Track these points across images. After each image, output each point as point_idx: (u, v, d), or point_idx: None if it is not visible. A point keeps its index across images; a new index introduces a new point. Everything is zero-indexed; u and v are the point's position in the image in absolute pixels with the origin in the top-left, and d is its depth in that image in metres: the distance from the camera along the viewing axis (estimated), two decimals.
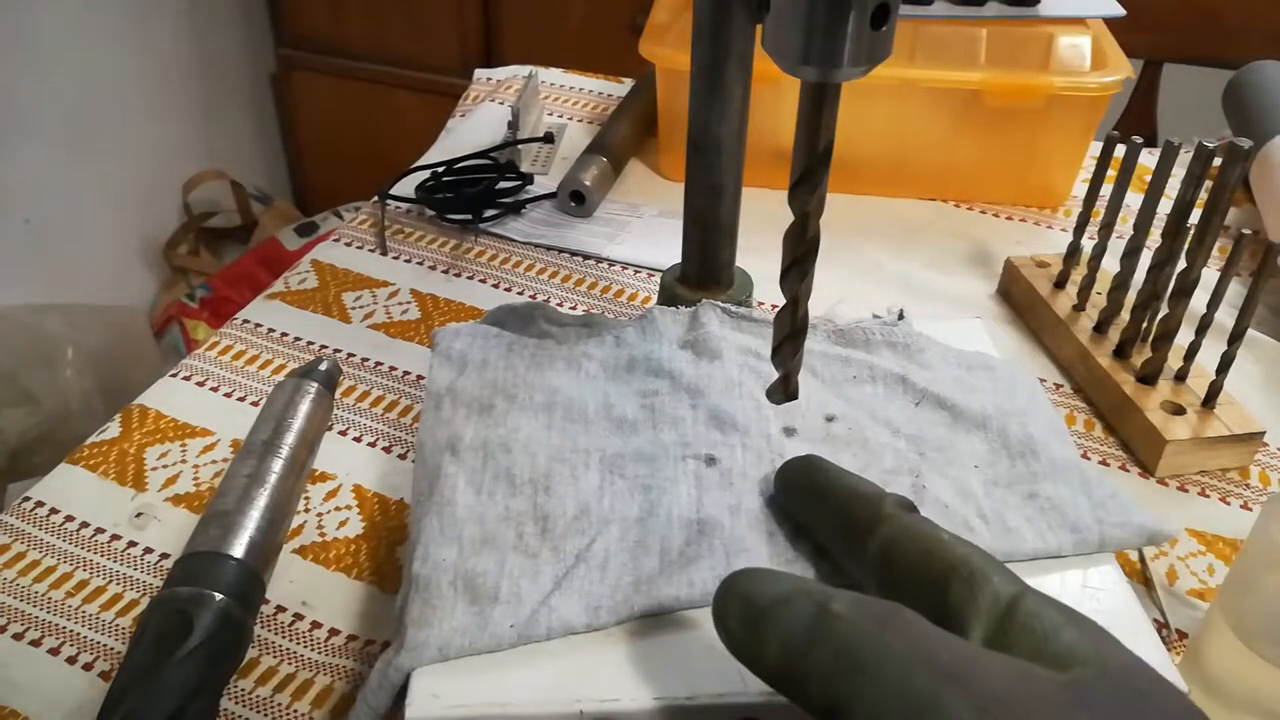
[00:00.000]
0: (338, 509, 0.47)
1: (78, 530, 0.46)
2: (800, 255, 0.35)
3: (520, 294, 0.62)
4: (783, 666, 0.25)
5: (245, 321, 0.59)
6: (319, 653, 0.41)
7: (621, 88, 0.87)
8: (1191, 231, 0.49)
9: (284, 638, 0.41)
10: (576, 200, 0.69)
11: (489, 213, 0.68)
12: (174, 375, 0.55)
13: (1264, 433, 0.50)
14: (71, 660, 0.40)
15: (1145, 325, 0.53)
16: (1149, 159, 0.54)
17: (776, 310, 0.37)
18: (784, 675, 0.25)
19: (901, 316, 0.47)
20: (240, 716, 0.38)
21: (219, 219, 1.80)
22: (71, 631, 0.41)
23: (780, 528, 0.35)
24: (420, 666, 0.31)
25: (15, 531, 0.46)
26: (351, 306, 0.61)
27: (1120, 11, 0.70)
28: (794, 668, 0.24)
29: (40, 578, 0.44)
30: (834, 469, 0.34)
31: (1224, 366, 0.50)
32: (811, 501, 0.34)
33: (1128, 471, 0.51)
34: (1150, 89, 1.24)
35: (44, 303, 1.34)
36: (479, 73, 0.91)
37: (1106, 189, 0.57)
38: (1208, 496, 0.50)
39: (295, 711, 0.39)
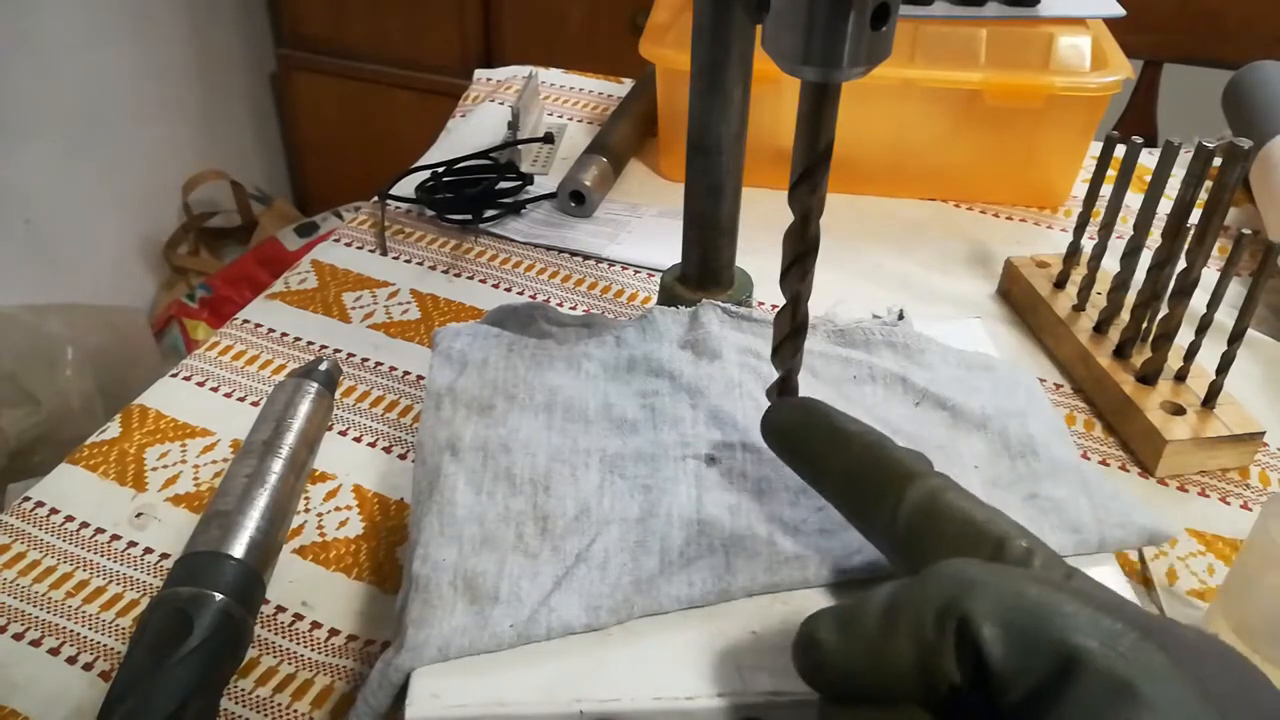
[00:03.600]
0: (338, 509, 0.47)
1: (78, 530, 0.46)
2: (800, 255, 0.35)
3: (520, 294, 0.62)
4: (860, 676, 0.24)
5: (245, 321, 0.59)
6: (319, 653, 0.41)
7: (621, 88, 0.87)
8: (1191, 231, 0.49)
9: (284, 638, 0.41)
10: (576, 200, 0.69)
11: (489, 213, 0.68)
12: (174, 375, 0.55)
13: (1264, 433, 0.50)
14: (71, 660, 0.40)
15: (1145, 325, 0.53)
16: (1149, 159, 0.54)
17: (776, 310, 0.37)
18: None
19: (901, 316, 0.47)
20: (240, 716, 0.38)
21: (219, 219, 1.80)
22: (71, 631, 0.41)
23: (780, 527, 0.35)
24: (420, 666, 0.31)
25: (15, 531, 0.46)
26: (351, 306, 0.61)
27: (1120, 11, 0.70)
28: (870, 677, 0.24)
29: (40, 578, 0.44)
30: (836, 415, 0.32)
31: (1224, 366, 0.50)
32: (818, 453, 0.32)
33: (1128, 471, 0.51)
34: (1150, 89, 1.24)
35: (44, 303, 1.34)
36: (479, 73, 0.91)
37: (1106, 189, 0.57)
38: (1208, 496, 0.50)
39: (295, 711, 0.39)
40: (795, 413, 0.34)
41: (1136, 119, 1.25)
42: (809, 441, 0.33)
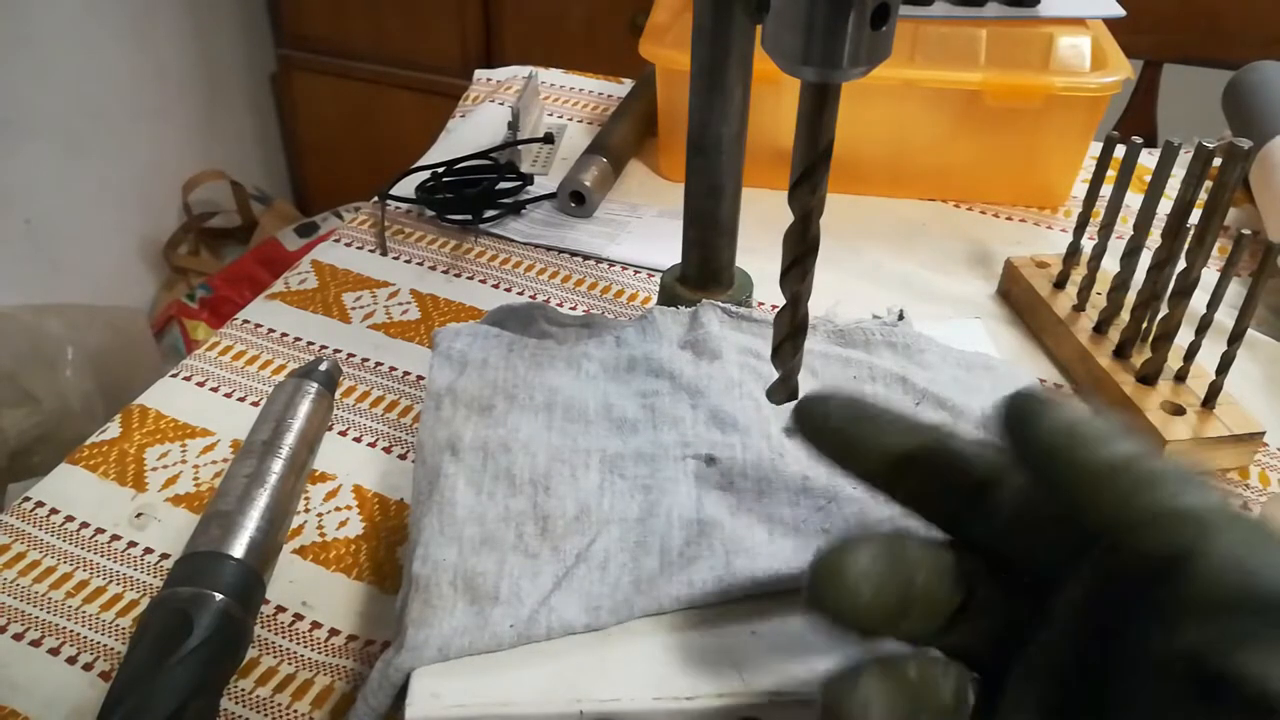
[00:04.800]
0: (338, 509, 0.47)
1: (78, 530, 0.46)
2: (800, 255, 0.35)
3: (520, 294, 0.62)
4: (1119, 468, 0.24)
5: (245, 321, 0.59)
6: (319, 653, 0.41)
7: (621, 88, 0.87)
8: (1191, 232, 0.49)
9: (284, 638, 0.41)
10: (576, 200, 0.69)
11: (489, 213, 0.68)
12: (174, 375, 0.55)
13: (1264, 433, 0.50)
14: (71, 660, 0.40)
15: (1145, 325, 0.53)
16: (1149, 159, 0.54)
17: (776, 310, 0.37)
18: (1114, 475, 0.24)
19: (901, 317, 0.47)
20: (240, 716, 0.38)
21: (219, 219, 1.80)
22: (71, 631, 0.41)
23: (780, 527, 0.35)
24: (420, 666, 0.31)
25: (15, 531, 0.46)
26: (351, 306, 0.61)
27: (1120, 12, 0.70)
28: (1136, 474, 0.24)
29: (40, 578, 0.44)
30: (878, 410, 0.30)
31: (1224, 366, 0.50)
32: (878, 452, 0.29)
33: None
34: (1150, 89, 1.24)
35: (44, 303, 1.34)
36: (479, 73, 0.91)
37: (1106, 189, 0.57)
38: None
39: (295, 711, 0.39)
40: (835, 411, 0.31)
41: (1136, 119, 1.25)
42: (859, 445, 0.30)
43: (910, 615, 0.26)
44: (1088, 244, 0.58)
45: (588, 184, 0.69)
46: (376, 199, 0.70)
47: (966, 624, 0.27)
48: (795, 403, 0.32)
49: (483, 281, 0.63)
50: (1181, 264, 0.50)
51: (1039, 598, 0.26)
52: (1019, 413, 0.26)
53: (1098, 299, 0.57)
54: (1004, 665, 0.26)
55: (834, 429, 0.30)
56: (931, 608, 0.27)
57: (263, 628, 0.41)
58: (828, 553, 0.26)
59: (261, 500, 0.42)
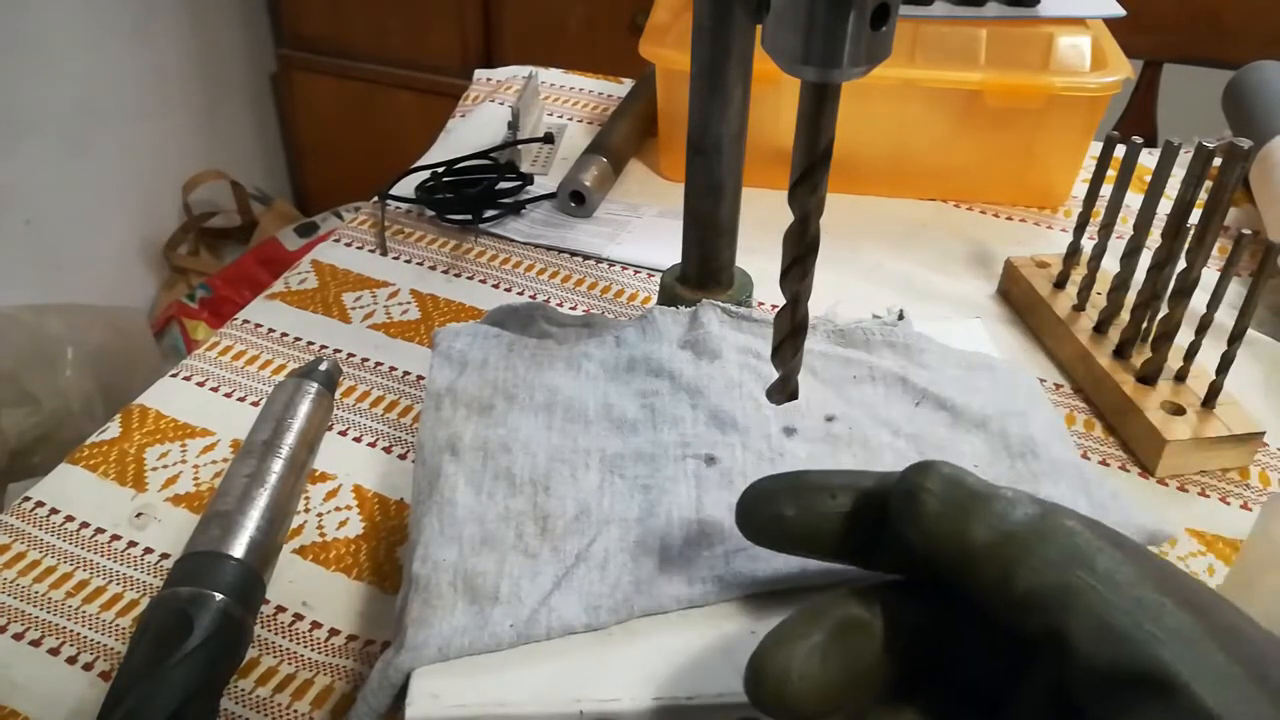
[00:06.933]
0: (338, 509, 0.47)
1: (78, 530, 0.46)
2: (800, 255, 0.35)
3: (520, 294, 0.62)
4: (989, 550, 0.24)
5: (245, 321, 0.59)
6: (319, 653, 0.41)
7: (621, 88, 0.87)
8: (1191, 231, 0.49)
9: (284, 638, 0.41)
10: (576, 200, 0.69)
11: (489, 213, 0.68)
12: (174, 375, 0.55)
13: (1264, 433, 0.50)
14: (71, 660, 0.40)
15: (1145, 325, 0.53)
16: (1149, 159, 0.54)
17: (776, 310, 0.37)
18: (987, 558, 0.24)
19: (901, 317, 0.47)
20: (240, 716, 0.38)
21: (219, 219, 1.80)
22: (71, 631, 0.41)
23: None
24: (420, 666, 0.31)
25: (15, 531, 0.46)
26: (351, 306, 0.61)
27: (1120, 11, 0.70)
28: (1005, 554, 0.24)
29: (40, 578, 0.44)
30: (813, 484, 0.29)
31: (1224, 366, 0.50)
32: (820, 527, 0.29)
33: (1128, 471, 0.51)
34: (1150, 89, 1.24)
35: (44, 303, 1.34)
36: (479, 73, 0.91)
37: (1106, 189, 0.57)
38: (1208, 496, 0.50)
39: (295, 711, 0.39)
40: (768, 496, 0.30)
41: (1136, 119, 1.25)
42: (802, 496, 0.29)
43: (858, 692, 0.26)
44: (1088, 244, 0.58)
45: (588, 184, 0.69)
46: (376, 199, 0.70)
47: (935, 687, 0.27)
48: (737, 506, 0.30)
49: (483, 281, 0.63)
50: (1181, 264, 0.50)
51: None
52: (902, 500, 0.26)
53: (1098, 299, 0.57)
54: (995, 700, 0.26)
55: (775, 525, 0.29)
56: (883, 682, 0.26)
57: (263, 628, 0.41)
58: (766, 650, 0.25)
59: (261, 500, 0.42)
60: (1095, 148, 0.73)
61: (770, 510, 0.29)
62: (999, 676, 0.26)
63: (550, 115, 0.83)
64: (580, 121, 0.82)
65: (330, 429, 0.51)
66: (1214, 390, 0.50)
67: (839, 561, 0.29)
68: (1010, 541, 0.24)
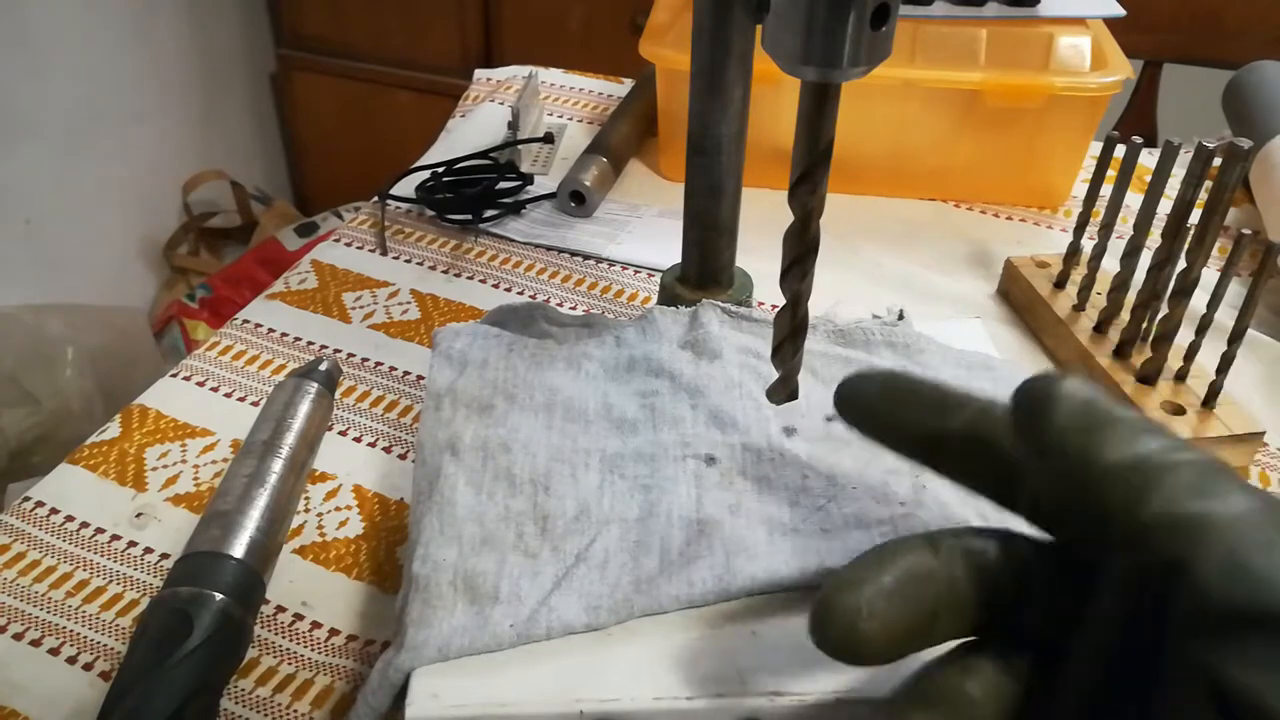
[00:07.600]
0: (338, 509, 0.47)
1: (78, 530, 0.46)
2: (800, 255, 0.35)
3: (520, 294, 0.62)
4: (1121, 470, 0.23)
5: (245, 321, 0.59)
6: (319, 653, 0.41)
7: (621, 88, 0.87)
8: (1191, 231, 0.49)
9: (284, 638, 0.41)
10: (576, 200, 0.69)
11: (489, 213, 0.68)
12: (174, 375, 0.55)
13: (1264, 433, 0.50)
14: (71, 660, 0.40)
15: (1145, 325, 0.53)
16: (1149, 159, 0.54)
17: (776, 310, 0.37)
18: (1117, 478, 0.23)
19: (901, 316, 0.47)
20: (240, 716, 0.38)
21: (219, 219, 1.80)
22: (71, 631, 0.41)
23: (780, 528, 0.35)
24: (420, 666, 0.31)
25: (15, 531, 0.46)
26: (351, 306, 0.61)
27: (1120, 11, 0.70)
28: (1137, 477, 0.23)
29: (40, 578, 0.44)
30: (917, 389, 0.30)
31: (1224, 366, 0.50)
32: (916, 435, 0.29)
33: None
34: (1150, 89, 1.24)
35: (44, 303, 1.34)
36: (479, 73, 0.91)
37: (1106, 189, 0.57)
38: None
39: (295, 711, 0.39)
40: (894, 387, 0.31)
41: (1136, 119, 1.25)
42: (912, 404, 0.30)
43: (933, 633, 0.26)
44: (1088, 244, 0.58)
45: (588, 184, 0.69)
46: (376, 199, 0.70)
47: (1010, 617, 0.26)
48: (838, 384, 0.32)
49: (483, 281, 0.63)
50: (1181, 264, 0.50)
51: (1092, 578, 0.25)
52: (1030, 405, 0.25)
53: (1098, 299, 0.57)
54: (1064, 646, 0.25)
55: (873, 412, 0.31)
56: (957, 621, 0.26)
57: (263, 628, 0.41)
58: (836, 588, 0.25)
59: (261, 500, 0.42)
60: (1095, 148, 0.73)
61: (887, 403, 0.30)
62: (1064, 627, 0.26)
63: (550, 115, 0.83)
64: (580, 121, 0.82)
65: (330, 429, 0.51)
66: (1214, 390, 0.50)
67: (930, 465, 0.30)
68: (1144, 465, 0.23)
